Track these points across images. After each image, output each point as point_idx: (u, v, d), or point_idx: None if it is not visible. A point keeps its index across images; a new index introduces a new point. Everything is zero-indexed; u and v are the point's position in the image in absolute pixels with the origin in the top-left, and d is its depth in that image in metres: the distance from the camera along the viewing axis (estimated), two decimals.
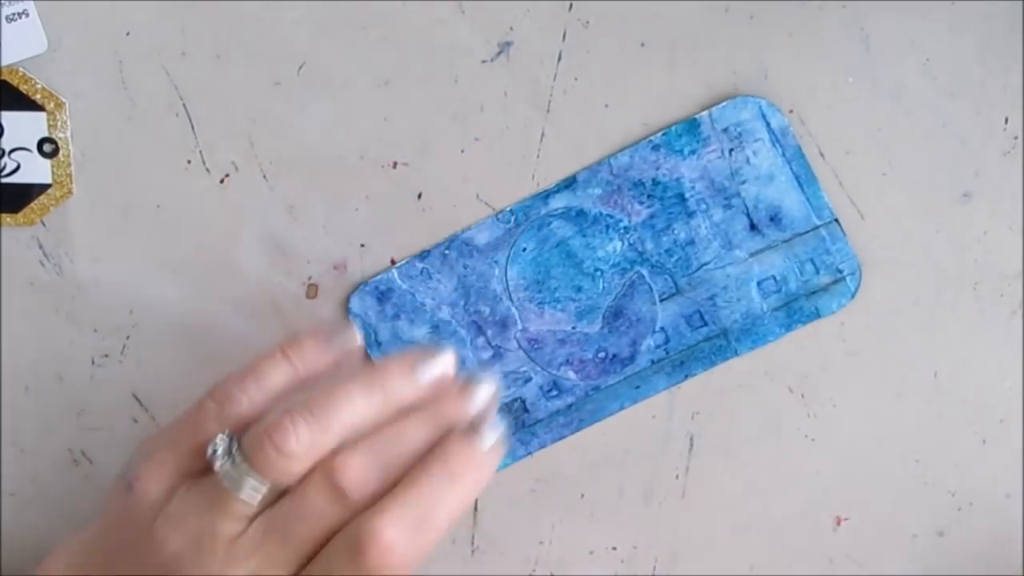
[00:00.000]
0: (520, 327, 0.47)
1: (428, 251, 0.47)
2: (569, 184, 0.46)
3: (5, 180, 0.46)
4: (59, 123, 0.46)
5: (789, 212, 0.46)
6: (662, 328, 0.47)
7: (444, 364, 0.40)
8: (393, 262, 0.47)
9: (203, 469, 0.38)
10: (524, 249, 0.47)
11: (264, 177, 0.47)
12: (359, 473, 0.37)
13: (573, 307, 0.47)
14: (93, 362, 0.48)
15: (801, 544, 0.50)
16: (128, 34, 0.46)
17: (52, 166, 0.46)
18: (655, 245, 0.47)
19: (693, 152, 0.46)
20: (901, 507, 0.49)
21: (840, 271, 0.47)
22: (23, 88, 0.46)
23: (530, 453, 0.48)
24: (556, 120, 0.46)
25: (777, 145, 0.46)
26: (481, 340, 0.47)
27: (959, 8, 0.46)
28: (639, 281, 0.47)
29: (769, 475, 0.49)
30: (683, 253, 0.47)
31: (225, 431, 0.38)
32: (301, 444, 0.37)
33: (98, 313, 0.48)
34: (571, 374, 0.48)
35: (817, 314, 0.47)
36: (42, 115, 0.46)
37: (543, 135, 0.46)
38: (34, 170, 0.46)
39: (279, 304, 0.48)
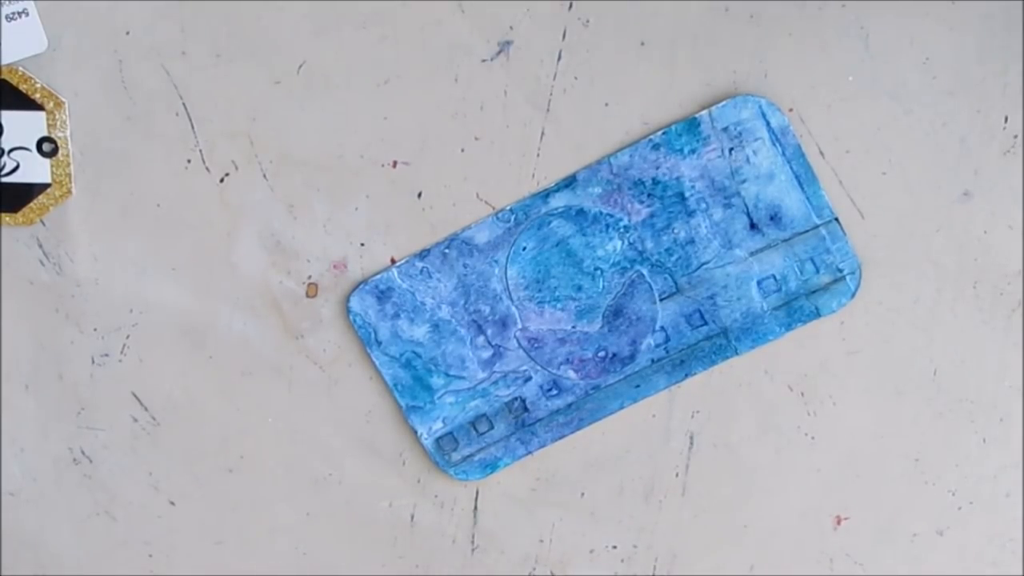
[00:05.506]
0: (520, 326, 0.47)
1: (428, 250, 0.47)
2: (569, 183, 0.46)
3: (4, 179, 0.46)
4: (58, 122, 0.46)
5: (789, 211, 0.46)
6: (662, 327, 0.47)
7: None
8: (393, 261, 0.47)
9: None
10: (524, 248, 0.47)
11: (264, 177, 0.47)
12: None
13: (573, 306, 0.47)
14: (93, 362, 0.48)
15: (801, 544, 0.50)
16: (128, 34, 0.46)
17: (52, 165, 0.46)
18: (655, 244, 0.47)
19: (693, 151, 0.46)
20: (901, 507, 0.49)
21: (840, 270, 0.47)
22: (23, 87, 0.46)
23: (530, 452, 0.48)
24: (556, 119, 0.46)
25: (777, 144, 0.46)
26: (481, 339, 0.47)
27: (959, 8, 0.46)
28: (639, 280, 0.47)
29: (769, 474, 0.49)
30: (683, 252, 0.47)
31: None
32: None
33: (98, 313, 0.48)
34: (571, 373, 0.48)
35: (817, 313, 0.47)
36: (41, 114, 0.46)
37: (543, 134, 0.46)
38: (33, 169, 0.46)
39: (279, 303, 0.48)
